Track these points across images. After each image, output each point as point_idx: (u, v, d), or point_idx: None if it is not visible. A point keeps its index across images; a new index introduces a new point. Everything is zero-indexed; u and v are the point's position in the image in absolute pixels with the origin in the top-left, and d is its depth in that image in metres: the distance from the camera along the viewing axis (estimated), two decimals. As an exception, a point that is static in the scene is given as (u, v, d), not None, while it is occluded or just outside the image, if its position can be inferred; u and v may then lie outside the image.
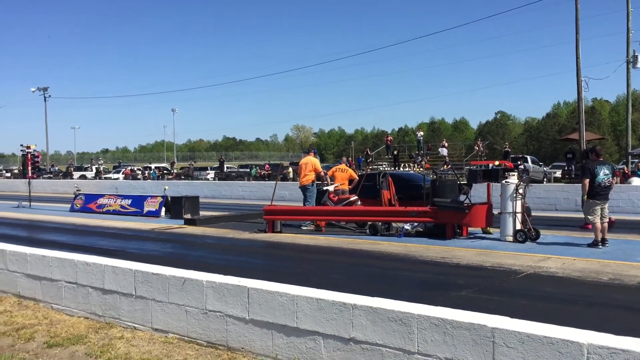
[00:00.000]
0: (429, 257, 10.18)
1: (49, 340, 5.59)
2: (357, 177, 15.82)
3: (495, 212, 12.06)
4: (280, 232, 13.88)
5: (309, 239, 12.84)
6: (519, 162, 29.94)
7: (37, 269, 7.04)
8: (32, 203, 24.56)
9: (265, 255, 11.70)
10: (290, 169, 41.04)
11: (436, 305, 4.17)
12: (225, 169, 48.80)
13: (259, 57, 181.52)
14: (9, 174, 60.14)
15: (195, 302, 5.32)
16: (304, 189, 14.82)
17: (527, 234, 11.32)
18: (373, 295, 4.45)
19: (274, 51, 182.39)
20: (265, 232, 13.92)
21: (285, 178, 36.25)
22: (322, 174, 15.57)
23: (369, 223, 13.43)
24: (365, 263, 10.05)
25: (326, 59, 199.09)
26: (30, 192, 25.90)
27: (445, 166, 31.95)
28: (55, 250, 7.45)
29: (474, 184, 13.19)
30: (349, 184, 15.46)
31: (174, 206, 18.52)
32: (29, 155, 24.63)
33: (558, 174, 33.70)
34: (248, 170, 46.62)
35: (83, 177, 51.55)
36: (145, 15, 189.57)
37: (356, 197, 14.69)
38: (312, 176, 14.82)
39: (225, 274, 5.49)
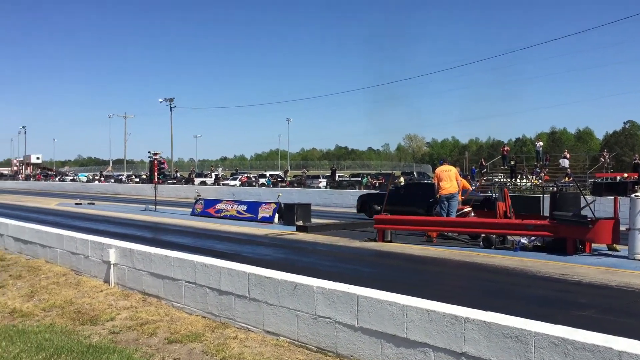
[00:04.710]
0: (547, 272, 9.66)
1: (169, 337, 5.92)
2: (470, 188, 15.35)
3: (622, 228, 11.23)
4: (391, 241, 13.77)
5: (420, 250, 12.64)
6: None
7: (160, 268, 7.49)
8: (157, 207, 26.17)
9: (375, 264, 11.66)
10: (402, 179, 40.72)
11: (555, 323, 3.95)
12: (336, 177, 49.30)
13: (372, 67, 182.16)
14: (137, 179, 64.68)
15: (306, 307, 5.40)
16: (450, 197, 13.92)
17: (660, 253, 10.42)
18: (486, 310, 4.29)
19: (387, 61, 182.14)
20: (375, 241, 13.88)
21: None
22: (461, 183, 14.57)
23: (483, 235, 12.99)
24: (478, 276, 9.73)
25: (439, 67, 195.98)
26: (156, 197, 27.57)
27: (567, 178, 30.22)
28: (176, 251, 7.90)
29: (598, 198, 12.37)
30: (462, 195, 14.98)
31: (287, 213, 19.00)
32: (156, 161, 26.32)
33: (697, 188, 30.83)
34: (360, 179, 46.77)
35: (203, 183, 54.19)
36: (263, 27, 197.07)
37: (470, 208, 14.27)
38: (456, 184, 14.04)
39: (335, 280, 5.53)
